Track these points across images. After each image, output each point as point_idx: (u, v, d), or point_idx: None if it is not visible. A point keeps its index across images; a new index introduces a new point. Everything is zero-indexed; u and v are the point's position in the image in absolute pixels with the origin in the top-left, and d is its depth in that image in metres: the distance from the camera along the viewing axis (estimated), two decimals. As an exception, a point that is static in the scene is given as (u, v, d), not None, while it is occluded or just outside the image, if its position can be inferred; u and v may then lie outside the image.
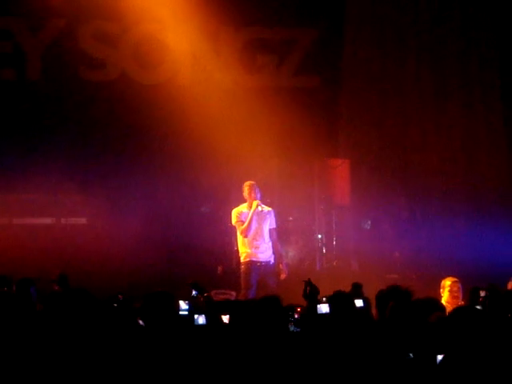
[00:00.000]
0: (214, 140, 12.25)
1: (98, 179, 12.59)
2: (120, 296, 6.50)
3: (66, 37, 12.90)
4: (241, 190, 10.17)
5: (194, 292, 6.97)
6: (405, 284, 6.35)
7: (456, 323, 4.11)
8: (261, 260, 9.86)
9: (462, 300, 8.08)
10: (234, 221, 9.98)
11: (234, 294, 10.65)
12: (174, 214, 12.81)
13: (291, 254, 12.59)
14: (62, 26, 12.90)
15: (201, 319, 5.13)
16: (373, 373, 4.33)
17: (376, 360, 4.42)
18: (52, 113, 12.81)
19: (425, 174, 13.51)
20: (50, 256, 11.69)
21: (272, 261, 9.93)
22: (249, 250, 9.86)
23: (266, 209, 10.03)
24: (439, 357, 4.09)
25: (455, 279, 8.31)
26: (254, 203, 9.86)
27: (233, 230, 10.33)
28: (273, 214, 10.09)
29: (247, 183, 10.01)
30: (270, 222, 10.01)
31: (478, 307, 6.08)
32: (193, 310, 5.69)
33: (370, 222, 12.99)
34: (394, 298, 5.64)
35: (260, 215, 9.90)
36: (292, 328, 5.15)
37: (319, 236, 12.97)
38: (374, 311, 6.30)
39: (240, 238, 9.97)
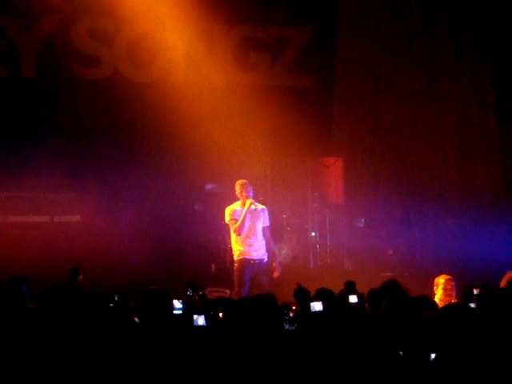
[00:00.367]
0: (207, 138, 12.27)
1: (91, 177, 12.59)
2: (115, 295, 6.51)
3: (60, 34, 12.89)
4: (234, 188, 10.19)
5: (189, 291, 6.98)
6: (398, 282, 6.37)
7: (447, 320, 4.14)
8: (254, 258, 9.88)
9: (456, 298, 8.11)
10: (227, 219, 9.99)
11: (227, 291, 10.66)
12: (167, 212, 12.80)
13: (285, 252, 12.60)
14: (55, 23, 12.89)
15: (200, 320, 5.12)
16: (368, 370, 4.35)
17: (371, 357, 4.44)
18: (46, 110, 12.80)
19: (418, 173, 13.55)
20: (44, 254, 11.69)
21: (265, 259, 9.95)
22: (242, 248, 9.87)
23: (260, 207, 10.05)
24: (433, 355, 4.12)
25: (449, 277, 8.33)
26: (248, 201, 9.87)
27: (226, 227, 10.34)
28: (266, 212, 10.11)
29: (239, 182, 10.03)
30: (263, 220, 10.02)
31: (472, 305, 6.10)
32: (187, 309, 5.68)
33: (363, 220, 13.01)
34: (389, 295, 5.66)
35: (253, 213, 9.92)
36: (287, 326, 5.16)
37: (313, 234, 12.99)
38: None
39: (233, 236, 9.99)
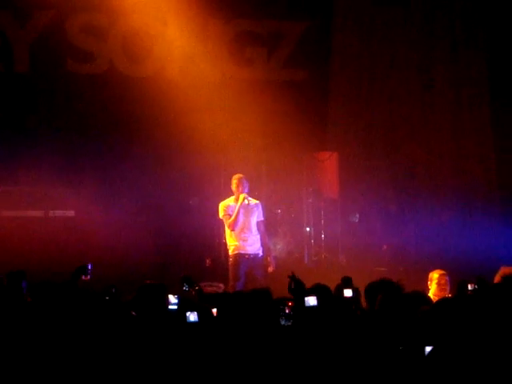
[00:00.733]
0: (202, 132, 12.26)
1: (86, 172, 12.58)
2: (112, 289, 6.50)
3: (54, 29, 12.85)
4: (229, 182, 10.19)
5: (185, 286, 6.97)
6: (393, 277, 6.38)
7: (440, 314, 4.14)
8: (249, 252, 9.89)
9: (450, 293, 8.13)
10: (221, 214, 10.00)
11: (222, 286, 10.66)
12: (162, 206, 12.80)
13: (279, 246, 12.61)
14: (49, 18, 12.85)
15: (192, 316, 5.12)
16: (364, 365, 4.35)
17: (366, 351, 4.45)
18: (40, 105, 12.77)
19: (412, 168, 13.57)
20: (38, 248, 11.67)
21: (260, 253, 9.96)
22: (237, 243, 9.88)
23: (253, 202, 10.05)
24: (427, 348, 4.12)
25: (443, 272, 8.34)
26: (241, 196, 9.88)
27: (221, 222, 10.35)
28: (260, 207, 10.11)
29: (236, 176, 10.03)
30: (257, 215, 10.03)
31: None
32: (182, 305, 5.67)
33: (358, 215, 13.02)
34: (383, 290, 5.67)
35: (247, 208, 9.92)
36: (283, 322, 5.15)
37: (307, 229, 13.00)
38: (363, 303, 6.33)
39: (227, 230, 10.00)
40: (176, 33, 12.94)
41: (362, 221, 13.04)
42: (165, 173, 12.78)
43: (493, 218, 13.10)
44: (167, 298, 5.75)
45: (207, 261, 12.19)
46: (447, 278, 8.32)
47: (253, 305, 5.15)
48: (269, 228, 11.00)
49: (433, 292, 8.25)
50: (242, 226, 9.89)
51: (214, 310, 5.42)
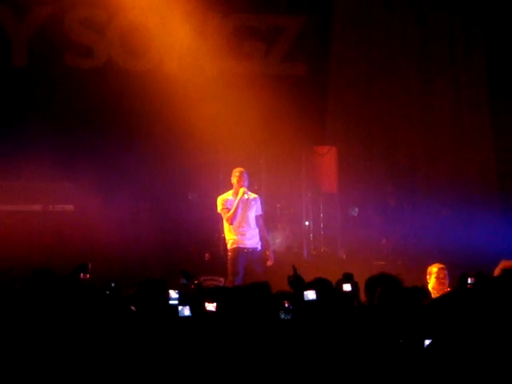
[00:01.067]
0: (200, 127, 12.25)
1: (85, 166, 12.56)
2: (112, 283, 6.51)
3: (53, 24, 12.83)
4: (228, 177, 10.19)
5: (184, 280, 6.97)
6: (392, 271, 6.39)
7: (444, 308, 4.15)
8: (248, 246, 9.89)
9: (449, 286, 8.14)
10: (219, 208, 10.00)
11: (221, 280, 10.68)
12: (161, 201, 12.81)
13: (278, 241, 12.61)
14: (48, 12, 12.84)
15: (186, 311, 5.12)
16: (363, 359, 4.36)
17: (365, 345, 4.46)
18: (39, 100, 12.76)
19: (412, 162, 13.58)
20: (37, 243, 11.68)
21: (259, 247, 9.96)
22: (235, 237, 9.89)
23: (252, 196, 10.05)
24: (427, 342, 4.13)
25: (442, 266, 8.35)
26: (241, 191, 9.87)
27: (220, 216, 10.35)
28: (259, 201, 10.11)
29: (237, 170, 10.03)
30: (256, 209, 10.03)
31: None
32: (182, 299, 5.68)
33: (357, 210, 13.03)
34: (383, 284, 5.68)
35: (246, 202, 9.93)
36: (283, 316, 5.15)
37: (306, 223, 12.99)
38: (362, 297, 6.34)
39: (226, 225, 10.00)
40: (174, 27, 12.92)
41: (360, 215, 13.05)
42: (163, 167, 12.78)
43: (491, 212, 13.11)
44: (168, 293, 5.75)
45: (206, 255, 12.20)
46: (446, 271, 8.33)
47: (252, 298, 5.15)
48: (268, 222, 11.01)
49: (431, 286, 8.26)
50: (241, 220, 9.90)
51: (214, 305, 5.41)
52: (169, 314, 5.20)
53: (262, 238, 10.02)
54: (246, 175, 9.98)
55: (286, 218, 12.96)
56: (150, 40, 12.99)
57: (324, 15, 13.58)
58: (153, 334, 4.91)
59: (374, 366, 4.36)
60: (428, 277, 8.37)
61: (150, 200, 12.80)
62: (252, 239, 9.94)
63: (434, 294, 7.94)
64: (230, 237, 9.93)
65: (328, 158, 13.12)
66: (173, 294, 5.79)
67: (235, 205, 9.84)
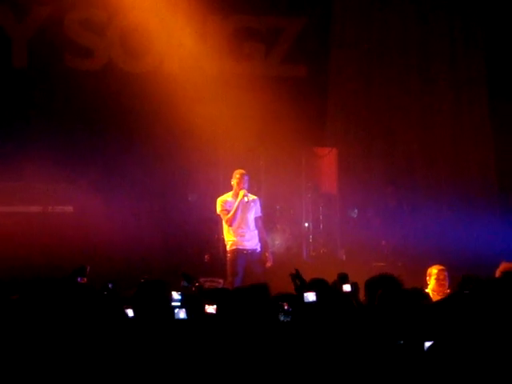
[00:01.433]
0: (200, 128, 12.25)
1: (85, 167, 12.56)
2: (109, 284, 6.49)
3: (53, 24, 12.81)
4: (228, 178, 10.19)
5: (184, 282, 6.96)
6: (392, 272, 6.38)
7: (446, 310, 4.14)
8: (247, 248, 9.90)
9: (449, 288, 8.13)
10: (218, 210, 10.00)
11: (221, 281, 10.69)
12: (161, 202, 12.80)
13: (278, 242, 12.60)
14: (48, 13, 12.82)
15: (182, 313, 5.12)
16: (363, 360, 4.36)
17: (365, 347, 4.45)
18: (38, 101, 12.75)
19: (412, 164, 13.57)
20: (37, 244, 11.67)
21: (258, 249, 9.97)
22: (234, 239, 9.89)
23: (251, 197, 10.05)
24: (427, 344, 4.13)
25: (442, 267, 8.35)
26: (241, 193, 9.87)
27: (219, 217, 10.35)
28: (258, 203, 10.12)
29: (238, 171, 10.02)
30: (255, 211, 10.03)
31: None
32: (185, 301, 5.66)
33: (356, 211, 13.02)
34: (383, 285, 5.67)
35: (245, 204, 9.93)
36: (282, 318, 5.14)
37: (306, 224, 12.99)
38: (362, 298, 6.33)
39: (225, 226, 10.00)
40: (175, 28, 12.91)
41: (360, 216, 13.04)
42: (163, 168, 12.77)
43: (491, 212, 13.10)
44: (170, 295, 5.73)
45: (206, 256, 12.20)
46: (446, 273, 8.33)
47: (250, 300, 5.14)
48: (267, 223, 11.00)
49: (431, 287, 8.26)
50: (240, 221, 9.90)
51: (214, 307, 5.40)
52: (167, 315, 5.19)
53: (261, 240, 10.02)
54: (246, 177, 9.97)
55: (286, 219, 12.95)
56: (150, 41, 12.97)
57: (324, 16, 13.58)
58: (149, 335, 4.90)
59: (374, 369, 4.35)
60: (428, 278, 8.37)
61: (149, 201, 12.79)
62: (251, 240, 9.95)
63: (434, 296, 7.94)
64: (230, 238, 9.94)
65: (328, 159, 13.12)
66: (175, 295, 5.78)
67: (235, 207, 9.85)
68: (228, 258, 9.95)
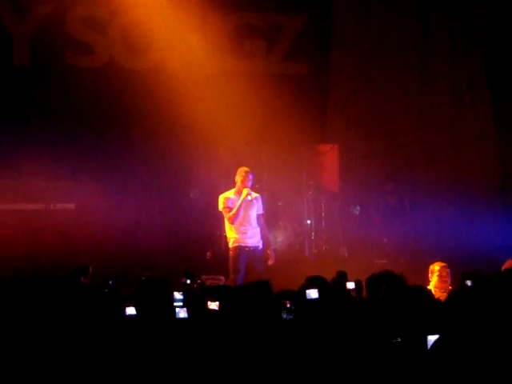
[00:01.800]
0: (201, 125, 12.24)
1: (86, 165, 12.55)
2: (110, 281, 6.50)
3: (54, 22, 12.79)
4: (229, 176, 10.18)
5: (187, 280, 6.96)
6: (394, 269, 6.38)
7: (449, 307, 4.14)
8: (249, 245, 9.89)
9: (451, 285, 8.13)
10: (220, 207, 9.99)
11: (222, 278, 10.69)
12: (162, 199, 12.81)
13: (280, 239, 12.61)
14: (49, 10, 12.80)
15: (182, 313, 5.10)
16: (366, 358, 4.35)
17: (368, 344, 4.45)
18: (40, 98, 12.74)
19: (413, 161, 13.57)
20: (39, 241, 11.68)
21: (260, 246, 9.96)
22: (237, 236, 9.88)
23: (254, 195, 10.05)
24: (430, 340, 4.12)
25: (444, 264, 8.34)
26: (244, 191, 9.84)
27: (221, 215, 10.35)
28: (260, 200, 10.10)
29: (243, 169, 9.98)
30: (257, 208, 10.02)
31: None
32: (187, 300, 5.65)
33: (358, 208, 13.02)
34: (386, 282, 5.67)
35: (247, 202, 9.91)
36: (285, 315, 5.14)
37: (308, 222, 12.99)
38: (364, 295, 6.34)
39: (227, 223, 9.99)
40: (176, 25, 12.90)
41: (362, 213, 13.04)
42: (165, 165, 12.77)
43: (493, 210, 13.10)
44: (171, 293, 5.72)
45: (208, 253, 12.20)
46: (448, 270, 8.32)
47: (252, 297, 5.14)
48: (269, 221, 10.99)
49: (434, 284, 8.25)
50: (242, 219, 9.89)
51: (216, 303, 5.40)
52: (168, 314, 5.18)
53: (263, 237, 10.01)
54: (251, 176, 9.95)
55: (288, 216, 12.95)
56: (151, 38, 12.96)
57: (325, 14, 13.58)
58: (150, 333, 4.90)
59: (377, 366, 4.35)
60: (430, 275, 8.36)
61: (151, 198, 12.78)
62: (253, 238, 9.93)
63: (437, 293, 7.94)
64: (231, 235, 9.93)
65: (329, 156, 13.13)
66: (177, 295, 5.76)
67: (238, 205, 9.82)
68: (230, 256, 9.93)
